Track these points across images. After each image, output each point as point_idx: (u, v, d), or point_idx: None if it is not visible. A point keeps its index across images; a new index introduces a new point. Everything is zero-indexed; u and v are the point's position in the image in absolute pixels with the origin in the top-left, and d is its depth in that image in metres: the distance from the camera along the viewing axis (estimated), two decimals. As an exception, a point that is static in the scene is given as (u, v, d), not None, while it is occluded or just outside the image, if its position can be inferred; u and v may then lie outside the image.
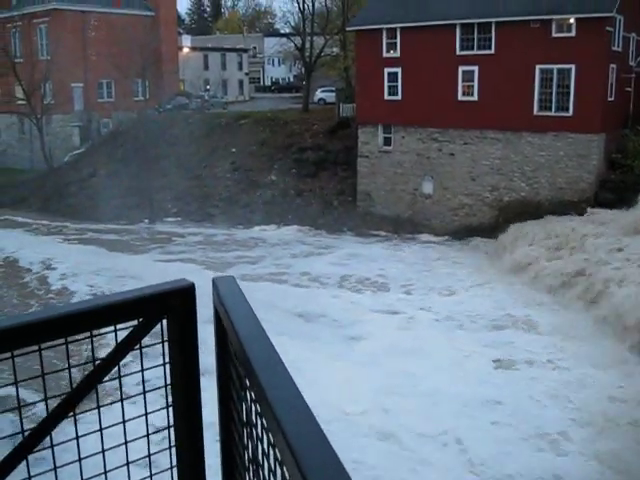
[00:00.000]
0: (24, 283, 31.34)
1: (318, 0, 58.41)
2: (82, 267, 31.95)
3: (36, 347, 1.94)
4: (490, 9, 35.29)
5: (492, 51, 35.76)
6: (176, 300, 2.13)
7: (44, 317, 1.95)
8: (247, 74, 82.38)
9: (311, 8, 57.32)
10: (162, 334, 2.18)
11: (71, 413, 2.08)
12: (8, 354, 1.90)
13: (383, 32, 39.19)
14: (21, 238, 40.04)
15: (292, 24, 70.10)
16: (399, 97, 39.25)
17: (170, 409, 2.27)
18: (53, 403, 2.08)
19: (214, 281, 2.12)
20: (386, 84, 39.51)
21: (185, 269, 30.38)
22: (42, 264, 33.23)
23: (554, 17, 33.35)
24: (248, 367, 1.68)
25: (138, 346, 2.16)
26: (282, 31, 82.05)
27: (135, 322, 2.11)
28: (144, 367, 2.23)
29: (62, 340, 1.98)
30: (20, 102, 55.71)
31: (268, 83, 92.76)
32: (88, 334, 2.03)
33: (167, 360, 2.22)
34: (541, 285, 28.20)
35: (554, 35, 33.54)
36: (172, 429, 2.27)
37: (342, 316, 25.53)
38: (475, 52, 36.32)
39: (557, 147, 34.55)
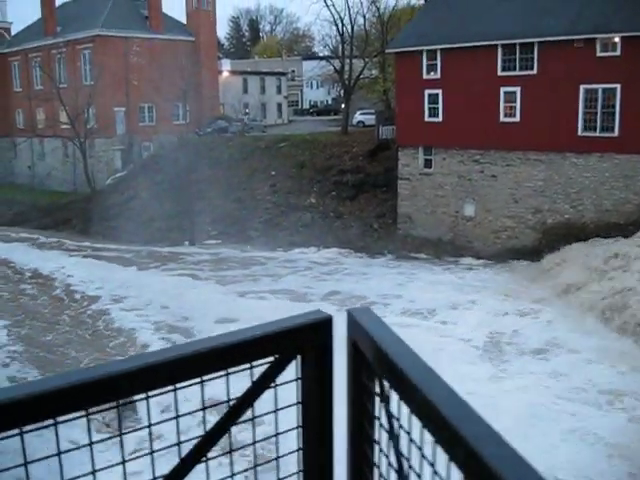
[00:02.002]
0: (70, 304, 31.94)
1: (357, 23, 58.70)
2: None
3: (169, 388, 1.79)
4: (532, 29, 34.91)
5: (534, 71, 35.36)
6: (312, 335, 1.99)
7: (178, 355, 1.79)
8: (286, 97, 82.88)
9: (350, 31, 57.59)
10: (296, 371, 2.04)
11: (204, 458, 1.94)
12: (144, 395, 1.75)
13: (423, 54, 39.05)
14: (65, 260, 40.89)
15: (331, 47, 70.51)
16: (440, 119, 38.99)
17: (300, 452, 2.12)
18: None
19: (350, 313, 1.94)
20: (426, 106, 39.31)
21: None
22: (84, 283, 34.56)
23: (598, 36, 32.90)
24: (419, 401, 1.49)
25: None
26: (321, 54, 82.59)
27: (270, 358, 1.97)
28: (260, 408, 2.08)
29: (197, 379, 1.84)
30: (64, 126, 56.74)
31: (306, 106, 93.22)
32: (223, 372, 1.89)
33: (299, 400, 2.07)
34: (586, 309, 27.54)
35: (599, 54, 33.06)
36: (302, 474, 2.13)
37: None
38: (517, 73, 35.95)
39: (602, 168, 33.93)
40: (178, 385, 1.79)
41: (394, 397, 1.66)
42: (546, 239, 34.85)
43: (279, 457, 2.09)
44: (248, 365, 1.90)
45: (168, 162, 50.86)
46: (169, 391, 1.77)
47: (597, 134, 33.87)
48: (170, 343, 26.46)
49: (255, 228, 43.91)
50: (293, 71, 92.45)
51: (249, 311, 28.03)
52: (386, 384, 1.71)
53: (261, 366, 1.94)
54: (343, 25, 56.70)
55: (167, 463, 1.85)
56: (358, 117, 63.24)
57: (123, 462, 1.77)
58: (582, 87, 33.80)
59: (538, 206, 36.19)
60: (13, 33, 73.68)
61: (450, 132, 38.16)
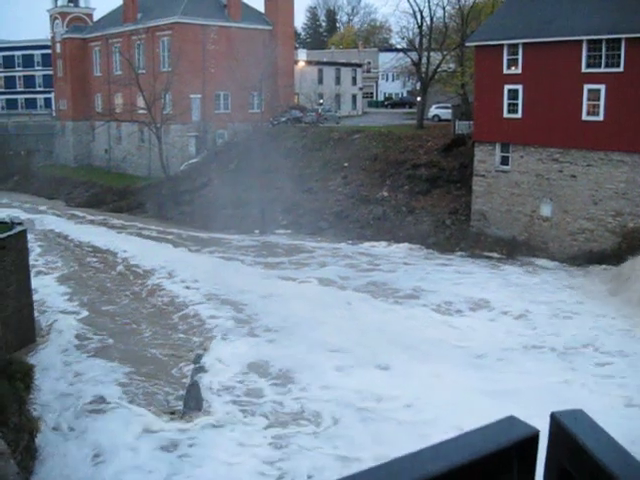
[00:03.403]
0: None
1: (436, 15, 57.71)
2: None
3: None
4: (620, 25, 33.55)
5: (621, 69, 33.97)
6: (505, 463, 1.22)
7: None
8: (361, 89, 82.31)
9: (429, 23, 56.66)
10: None
11: None
12: None
13: (504, 48, 38.02)
14: (134, 241, 42.58)
15: (409, 39, 69.51)
16: (519, 115, 37.94)
17: None
18: None
19: (555, 417, 1.26)
20: (506, 101, 38.29)
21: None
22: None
23: (692, 34, 31.39)
24: None
25: None
26: (398, 46, 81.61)
27: None
28: None
29: None
30: (141, 111, 57.59)
31: (381, 98, 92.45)
32: None
33: None
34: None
35: (691, 53, 31.57)
36: None
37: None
38: (602, 70, 34.60)
39: (690, 172, 32.43)
40: None
41: None
42: (627, 243, 33.54)
43: None
44: None
45: (241, 150, 51.18)
46: None
47: (686, 136, 32.38)
48: (221, 314, 28.52)
49: (326, 219, 43.69)
50: (369, 63, 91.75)
51: (290, 290, 31.74)
52: None
53: None
54: (422, 17, 55.85)
55: None
56: (434, 111, 62.23)
57: None
58: (672, 86, 32.34)
59: (619, 209, 34.85)
60: (95, 19, 75.33)
61: (529, 129, 37.11)
